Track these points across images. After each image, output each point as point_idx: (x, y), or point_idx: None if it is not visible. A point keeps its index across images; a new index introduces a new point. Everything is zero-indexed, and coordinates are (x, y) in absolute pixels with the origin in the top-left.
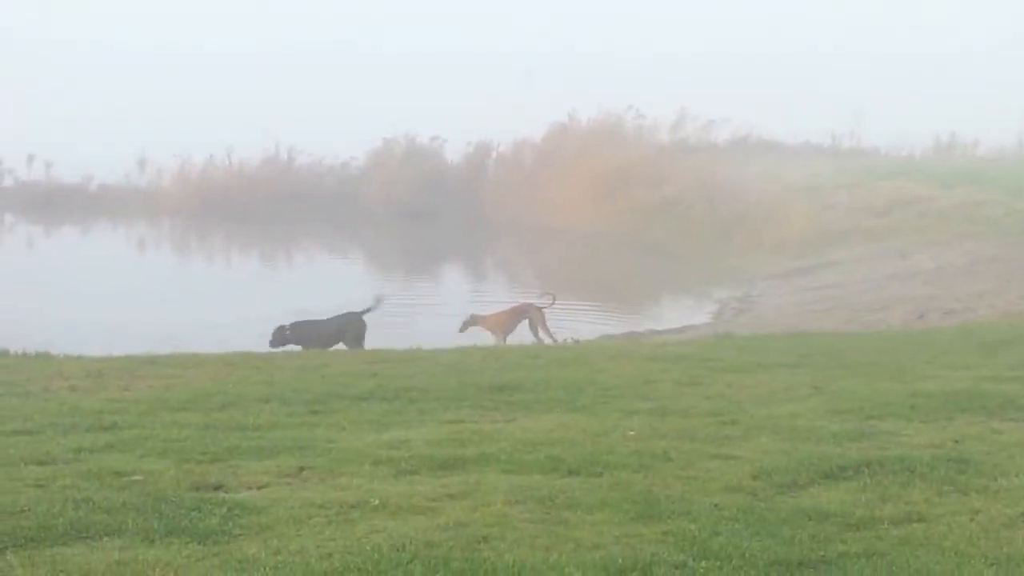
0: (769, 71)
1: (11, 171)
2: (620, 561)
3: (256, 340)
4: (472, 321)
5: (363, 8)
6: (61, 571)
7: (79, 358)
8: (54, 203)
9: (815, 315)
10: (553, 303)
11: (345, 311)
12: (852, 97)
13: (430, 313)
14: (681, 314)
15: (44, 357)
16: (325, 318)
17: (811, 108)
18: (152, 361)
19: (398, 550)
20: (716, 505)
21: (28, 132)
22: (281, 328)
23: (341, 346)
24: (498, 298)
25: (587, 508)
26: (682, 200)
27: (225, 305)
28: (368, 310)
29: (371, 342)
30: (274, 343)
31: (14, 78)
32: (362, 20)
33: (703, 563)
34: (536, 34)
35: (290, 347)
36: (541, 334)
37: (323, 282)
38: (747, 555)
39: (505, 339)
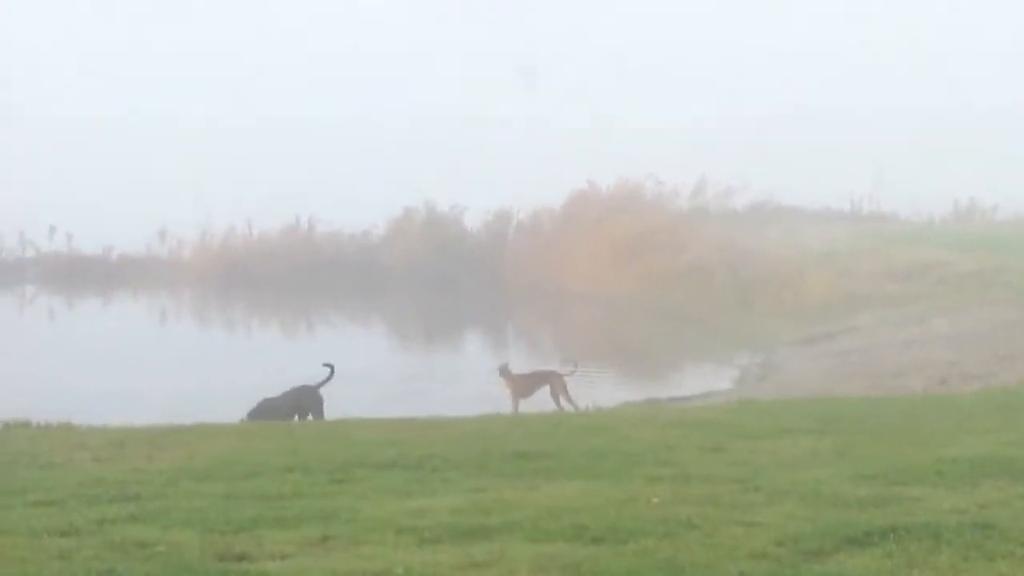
0: (787, 134)
1: (32, 242)
2: None
3: None
4: (504, 371)
5: (378, 75)
6: None
7: (102, 428)
8: (75, 274)
9: (837, 380)
10: (575, 371)
11: (300, 384)
12: (871, 159)
13: (451, 381)
14: (702, 380)
15: (66, 427)
16: (279, 394)
17: (830, 171)
18: (175, 431)
19: None
20: (742, 573)
21: (49, 204)
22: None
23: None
24: (519, 366)
25: None
26: (702, 266)
27: (245, 374)
28: (324, 382)
29: (393, 410)
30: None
31: (33, 149)
32: (379, 87)
33: None
34: (559, 99)
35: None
36: (563, 402)
37: (343, 351)
38: None
39: (518, 404)
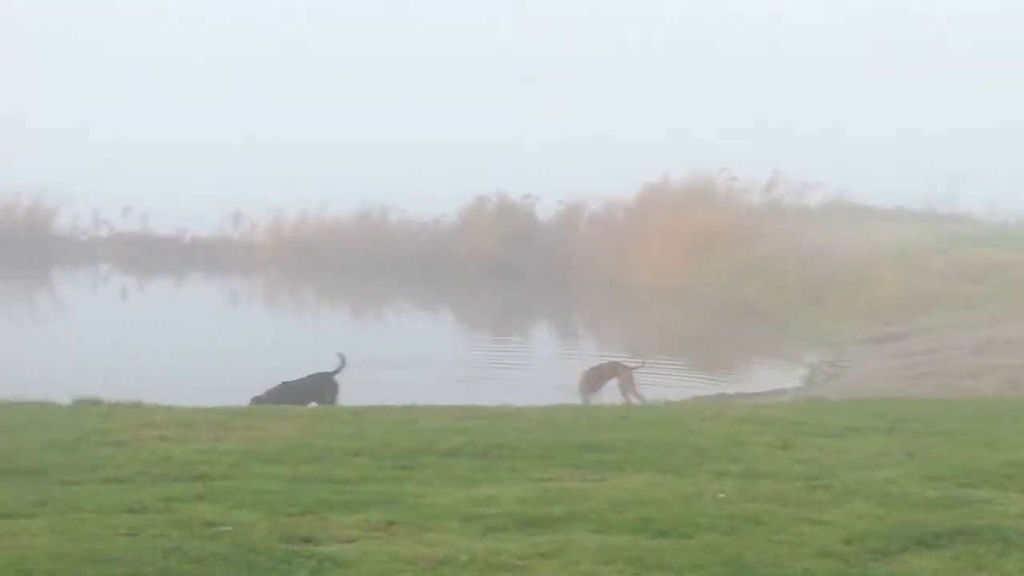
0: (862, 134)
1: (107, 222)
2: None
3: (347, 392)
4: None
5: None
6: None
7: (170, 408)
8: (148, 254)
9: (907, 381)
10: (643, 364)
11: (318, 371)
12: (948, 162)
13: (519, 370)
14: (772, 377)
15: (136, 406)
16: (297, 379)
17: (905, 172)
18: (242, 413)
19: None
20: (807, 570)
21: (124, 183)
22: (257, 398)
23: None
24: (587, 356)
25: (677, 570)
26: (773, 262)
27: (315, 358)
28: (339, 370)
29: (461, 398)
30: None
31: (110, 129)
32: (461, 73)
33: None
34: (630, 91)
35: (368, 403)
36: (629, 395)
37: (413, 337)
38: None
39: (588, 397)
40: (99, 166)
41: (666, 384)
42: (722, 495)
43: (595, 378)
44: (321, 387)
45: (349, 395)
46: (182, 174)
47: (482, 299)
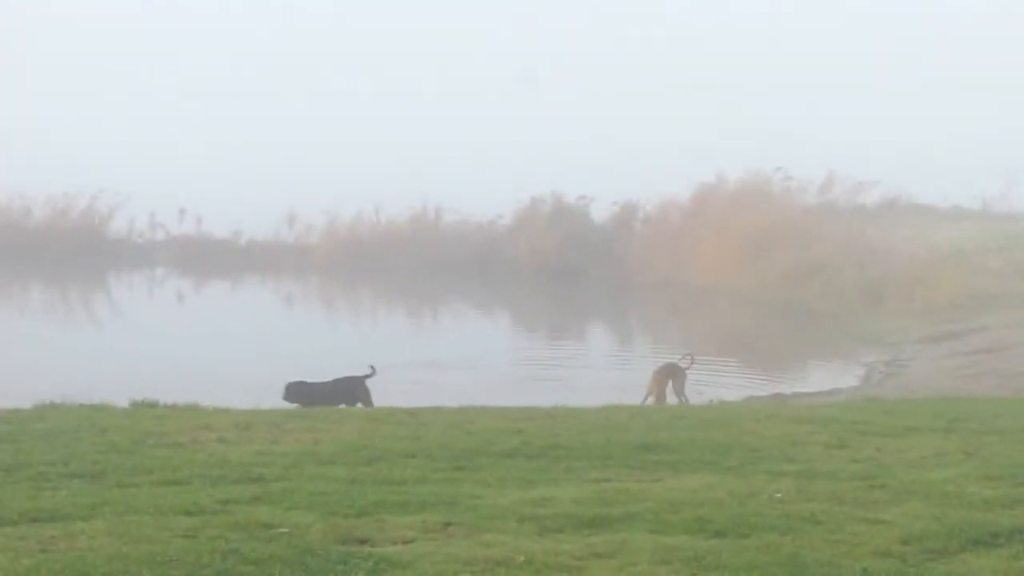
0: (917, 134)
1: (163, 225)
2: None
3: (403, 393)
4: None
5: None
6: None
7: (227, 410)
8: (204, 257)
9: (964, 380)
10: (692, 364)
11: (346, 375)
12: (1003, 161)
13: (575, 371)
14: (828, 377)
15: (193, 409)
16: (327, 380)
17: (961, 171)
18: (299, 415)
19: None
20: (865, 570)
21: (180, 186)
22: (288, 386)
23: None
24: (642, 357)
25: (734, 570)
26: (830, 262)
27: (370, 360)
28: (369, 375)
29: (516, 399)
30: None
31: (165, 133)
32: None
33: None
34: (685, 91)
35: (424, 404)
36: (680, 396)
37: (468, 338)
38: None
39: (653, 400)
40: (155, 169)
41: (722, 384)
42: (779, 495)
43: (663, 379)
44: (353, 391)
45: (405, 396)
46: (237, 177)
47: (538, 300)
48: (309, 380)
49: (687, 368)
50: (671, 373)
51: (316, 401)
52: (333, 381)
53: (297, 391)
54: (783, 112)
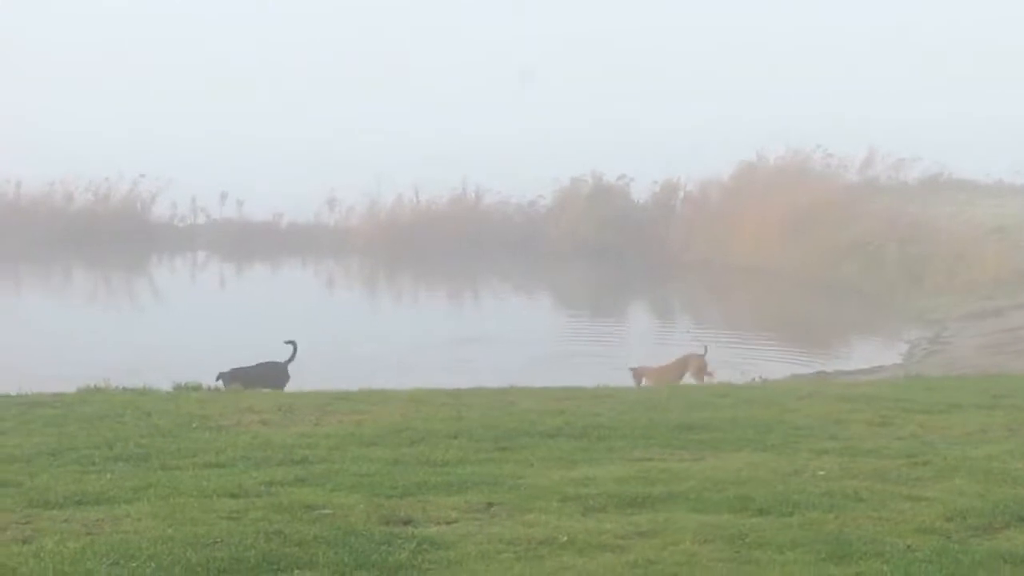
0: (960, 105)
1: (204, 209)
2: None
3: (441, 372)
4: (641, 372)
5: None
6: None
7: (270, 393)
8: (245, 241)
9: (1008, 356)
10: (706, 352)
11: (271, 360)
12: None
13: (617, 351)
14: (871, 354)
15: (236, 392)
16: (251, 365)
17: (1005, 144)
18: (342, 397)
19: None
20: (909, 547)
21: (221, 169)
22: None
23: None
24: (683, 337)
25: (777, 548)
26: (871, 240)
27: (412, 342)
28: (290, 359)
29: (558, 379)
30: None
31: (207, 116)
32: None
33: None
34: (723, 72)
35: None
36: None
37: (509, 320)
38: None
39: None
40: (196, 154)
41: (764, 363)
42: (821, 473)
43: (673, 375)
44: (271, 375)
45: (447, 375)
46: (278, 160)
47: (579, 281)
48: (242, 366)
49: (704, 355)
50: (687, 362)
51: (246, 384)
52: (256, 365)
53: (232, 376)
54: (823, 88)
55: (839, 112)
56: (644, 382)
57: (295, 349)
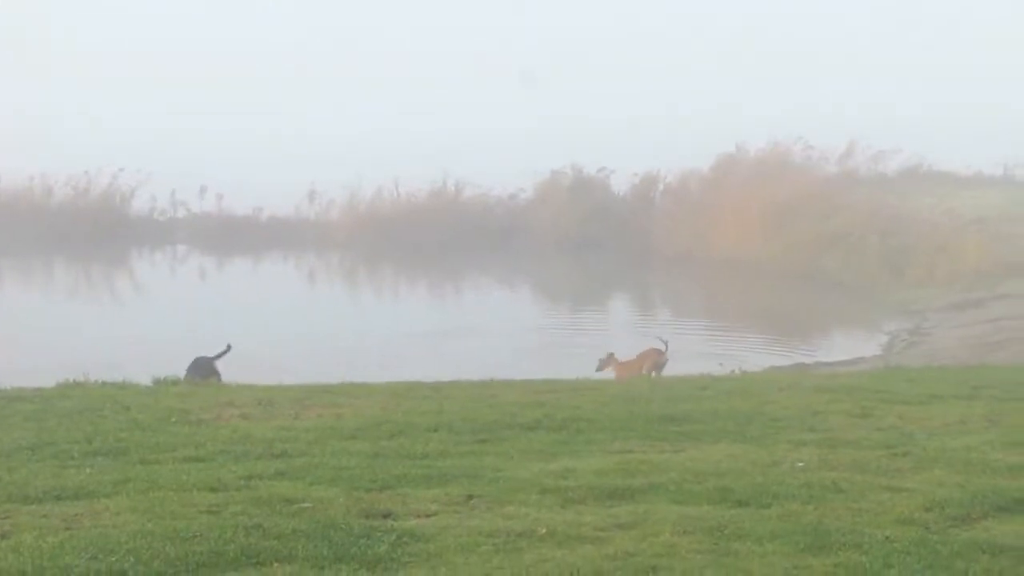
0: (938, 97)
1: (184, 203)
2: None
3: (419, 361)
4: (608, 362)
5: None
6: None
7: (250, 387)
8: (225, 234)
9: (988, 348)
10: (666, 349)
11: (200, 356)
12: None
13: (597, 344)
14: (851, 346)
15: (216, 385)
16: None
17: (983, 136)
18: (322, 390)
19: None
20: (888, 537)
21: (200, 164)
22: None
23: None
24: (664, 328)
25: (756, 539)
26: (851, 231)
27: (392, 334)
28: (220, 355)
29: (539, 372)
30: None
31: (186, 110)
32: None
33: None
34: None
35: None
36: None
37: (489, 312)
38: None
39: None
40: (175, 148)
41: (743, 355)
42: (801, 464)
43: (638, 368)
44: (202, 368)
45: (425, 365)
46: (257, 154)
47: (560, 273)
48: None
49: (664, 352)
50: (648, 357)
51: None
52: (193, 361)
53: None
54: (802, 81)
55: (818, 103)
56: (608, 371)
57: (228, 348)
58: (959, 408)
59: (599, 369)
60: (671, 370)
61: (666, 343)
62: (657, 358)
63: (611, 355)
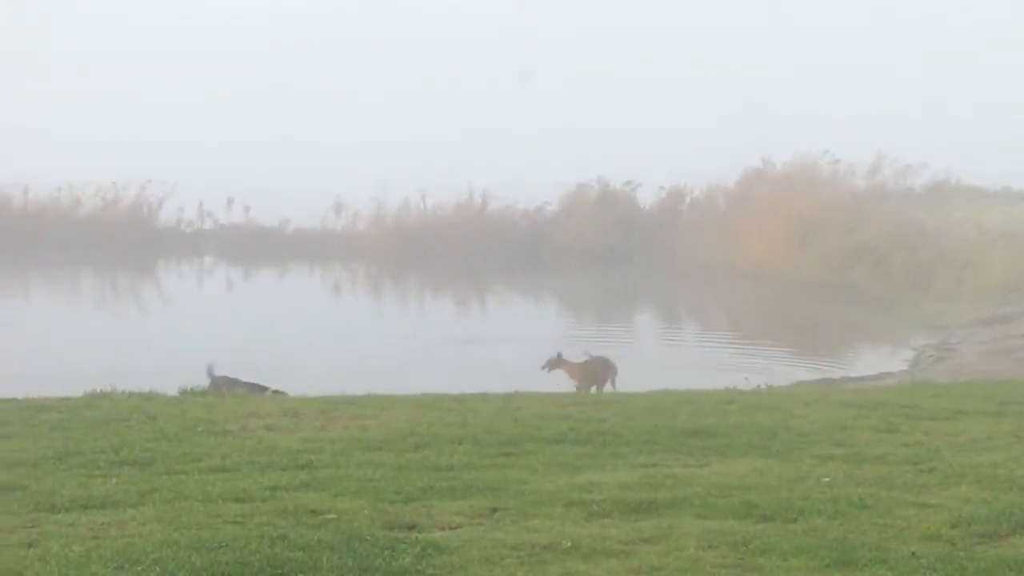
0: (965, 114)
1: (211, 214)
2: None
3: (447, 376)
4: (558, 362)
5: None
6: None
7: (275, 398)
8: (252, 246)
9: (1015, 363)
10: (588, 359)
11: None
12: None
13: (623, 358)
14: (877, 361)
15: (242, 396)
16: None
17: (1010, 151)
18: (348, 402)
19: None
20: (914, 553)
21: (228, 176)
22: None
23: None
24: (688, 342)
25: (781, 554)
26: (878, 246)
27: (417, 345)
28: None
29: (564, 385)
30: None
31: (214, 123)
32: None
33: None
34: (733, 77)
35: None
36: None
37: (515, 324)
38: None
39: (588, 389)
40: (202, 160)
41: (769, 369)
42: (827, 479)
43: (585, 370)
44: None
45: (455, 380)
46: (284, 165)
47: (585, 286)
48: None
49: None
50: (596, 364)
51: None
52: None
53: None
54: (828, 94)
55: (844, 115)
56: (558, 371)
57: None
58: (986, 424)
59: (545, 368)
60: (696, 383)
61: (589, 354)
62: (602, 370)
63: (559, 355)
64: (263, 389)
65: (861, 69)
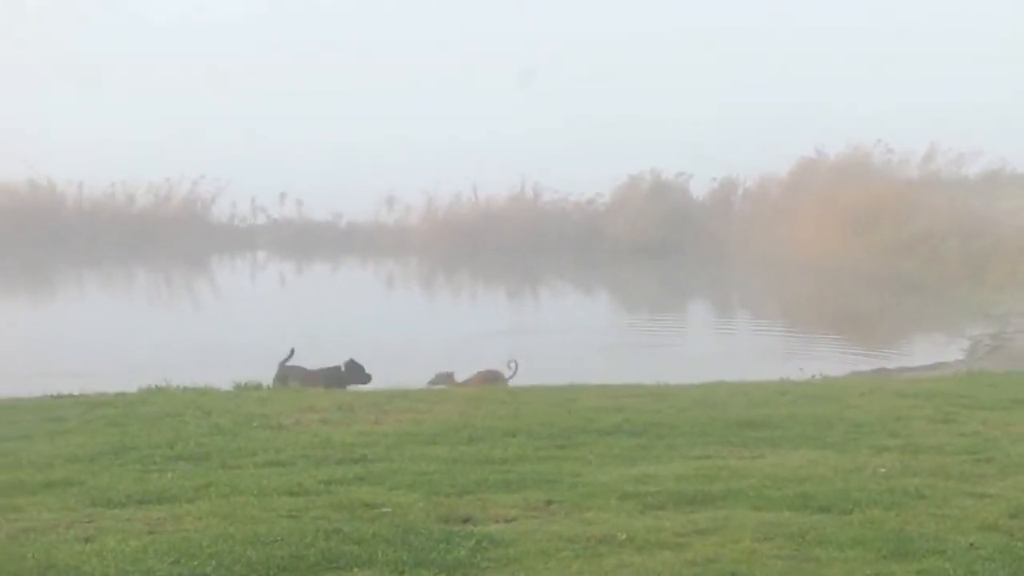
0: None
1: (263, 209)
2: None
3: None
4: (439, 380)
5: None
6: None
7: (330, 392)
8: (305, 240)
9: None
10: (516, 372)
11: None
12: None
13: (676, 349)
14: (932, 350)
15: (296, 391)
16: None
17: None
18: (401, 396)
19: None
20: (972, 544)
21: (280, 170)
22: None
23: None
24: (741, 331)
25: (838, 545)
26: (932, 235)
27: (471, 339)
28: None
29: (618, 376)
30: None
31: (269, 118)
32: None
33: None
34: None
35: (511, 381)
36: None
37: (568, 317)
38: None
39: None
40: (254, 154)
41: (824, 359)
42: (883, 470)
43: (474, 385)
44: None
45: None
46: (336, 160)
47: (638, 277)
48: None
49: (510, 377)
50: (490, 379)
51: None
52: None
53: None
54: (880, 81)
55: (898, 104)
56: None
57: (292, 352)
58: None
59: (431, 383)
60: (750, 374)
61: (516, 364)
62: (487, 379)
63: (450, 374)
64: (336, 369)
65: (911, 57)
